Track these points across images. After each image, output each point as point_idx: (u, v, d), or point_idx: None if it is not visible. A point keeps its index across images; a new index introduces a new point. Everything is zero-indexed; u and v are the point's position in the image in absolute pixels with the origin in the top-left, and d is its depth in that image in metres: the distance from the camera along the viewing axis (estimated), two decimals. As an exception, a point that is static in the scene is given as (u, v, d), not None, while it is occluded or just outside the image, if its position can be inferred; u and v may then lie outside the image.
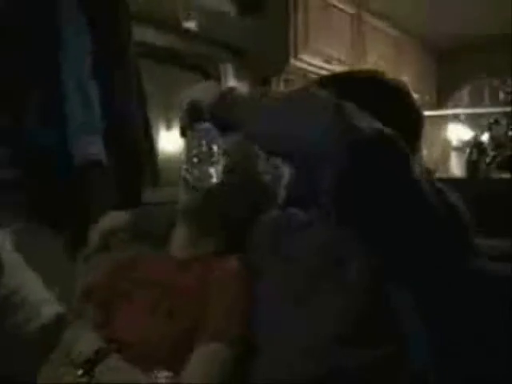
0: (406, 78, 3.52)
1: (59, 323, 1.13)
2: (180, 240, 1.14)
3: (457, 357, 0.87)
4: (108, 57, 1.95)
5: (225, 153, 1.09)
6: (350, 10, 3.35)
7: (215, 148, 0.98)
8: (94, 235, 1.32)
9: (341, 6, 3.25)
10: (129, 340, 1.00)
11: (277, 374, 0.86)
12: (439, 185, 0.84)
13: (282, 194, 1.17)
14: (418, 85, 3.87)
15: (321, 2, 3.07)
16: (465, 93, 4.34)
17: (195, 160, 0.96)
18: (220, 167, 1.05)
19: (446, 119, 4.43)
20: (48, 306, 1.22)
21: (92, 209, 1.77)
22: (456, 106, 4.38)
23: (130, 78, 2.02)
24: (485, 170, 2.32)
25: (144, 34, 2.34)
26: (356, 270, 0.86)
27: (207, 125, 0.96)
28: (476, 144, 2.45)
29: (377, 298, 0.83)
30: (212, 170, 0.94)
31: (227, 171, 1.08)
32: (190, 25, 2.56)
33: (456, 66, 4.14)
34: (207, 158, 0.95)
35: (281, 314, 0.91)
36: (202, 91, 0.95)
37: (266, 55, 2.88)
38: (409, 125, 0.96)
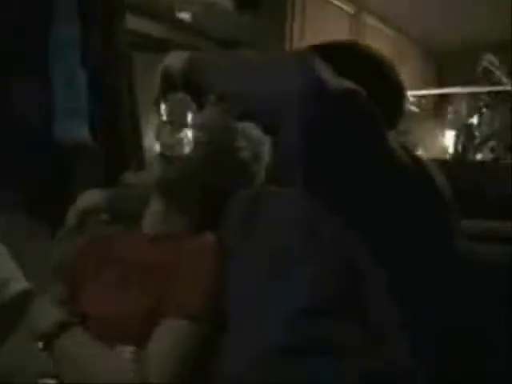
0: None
1: (26, 299, 1.10)
2: (152, 216, 1.11)
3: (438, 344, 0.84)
4: (99, 44, 1.93)
5: (201, 126, 1.07)
6: (349, 9, 3.34)
7: (189, 118, 0.96)
8: (70, 214, 1.30)
9: (339, 4, 3.23)
10: (95, 315, 0.98)
11: (248, 350, 0.83)
12: (422, 160, 0.81)
13: (261, 174, 1.14)
14: (416, 88, 3.85)
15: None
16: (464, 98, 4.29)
17: (168, 128, 0.95)
18: (193, 137, 1.03)
19: (443, 126, 4.39)
20: (16, 282, 1.19)
21: (77, 194, 1.75)
22: (456, 113, 4.34)
23: (120, 66, 2.00)
24: (472, 153, 2.28)
25: (139, 24, 2.33)
26: (331, 242, 0.82)
27: (181, 94, 0.95)
28: (465, 126, 2.42)
29: (351, 273, 0.79)
30: (185, 139, 0.92)
31: (202, 144, 1.06)
32: (185, 16, 2.55)
33: (455, 70, 4.10)
34: (180, 127, 0.93)
35: (254, 289, 0.88)
36: (174, 58, 0.94)
37: (261, 51, 2.85)
38: (389, 98, 0.93)
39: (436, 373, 0.81)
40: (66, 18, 1.86)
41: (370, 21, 3.60)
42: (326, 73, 0.72)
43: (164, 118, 0.95)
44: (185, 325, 0.90)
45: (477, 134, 2.23)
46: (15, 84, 1.75)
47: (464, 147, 2.30)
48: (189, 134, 0.98)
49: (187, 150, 0.92)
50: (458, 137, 2.26)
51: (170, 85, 0.94)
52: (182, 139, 0.92)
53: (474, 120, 2.26)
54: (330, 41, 1.06)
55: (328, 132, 0.69)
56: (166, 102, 0.95)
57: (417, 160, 0.78)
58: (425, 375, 0.79)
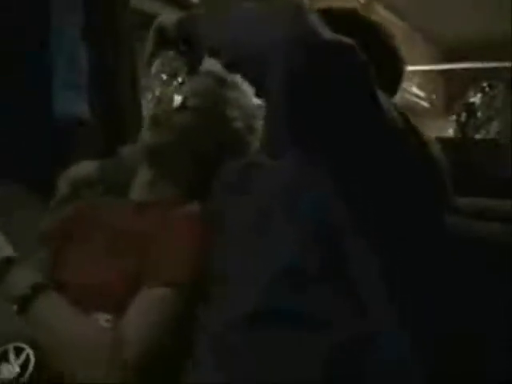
0: (413, 75, 3.46)
1: (7, 267, 1.07)
2: (140, 183, 1.08)
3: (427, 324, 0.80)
4: (101, 19, 1.90)
5: (193, 92, 1.04)
6: (362, -1, 3.30)
7: (180, 78, 0.93)
8: (62, 184, 1.28)
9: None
10: (76, 282, 0.95)
11: (230, 316, 0.80)
12: (417, 128, 0.77)
13: (255, 144, 1.10)
14: (425, 82, 3.81)
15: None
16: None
17: (157, 83, 0.92)
18: (184, 103, 1.00)
19: (446, 123, 4.32)
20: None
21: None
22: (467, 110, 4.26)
23: (123, 43, 1.97)
24: (472, 133, 2.22)
25: (143, 4, 2.30)
26: (316, 209, 0.78)
27: (172, 53, 0.92)
28: (466, 105, 2.36)
29: (336, 242, 0.76)
30: (174, 95, 0.89)
31: (194, 111, 1.03)
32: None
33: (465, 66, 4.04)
34: (170, 83, 0.90)
35: (238, 255, 0.85)
36: (167, 15, 0.91)
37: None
38: (387, 65, 0.89)
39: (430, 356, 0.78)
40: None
41: (383, 13, 3.56)
42: (321, 26, 0.68)
43: (156, 74, 0.92)
44: (165, 292, 0.86)
45: (479, 114, 2.18)
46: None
47: (463, 126, 2.24)
48: (178, 97, 0.94)
49: (175, 104, 0.89)
50: (458, 115, 2.21)
51: (163, 40, 0.91)
52: (170, 95, 0.89)
53: (477, 99, 2.20)
54: (329, 6, 1.02)
55: (316, 83, 0.65)
56: (157, 60, 0.92)
57: (412, 126, 0.74)
58: (418, 359, 0.75)
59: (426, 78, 3.77)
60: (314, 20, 0.68)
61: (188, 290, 0.87)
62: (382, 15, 3.54)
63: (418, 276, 0.76)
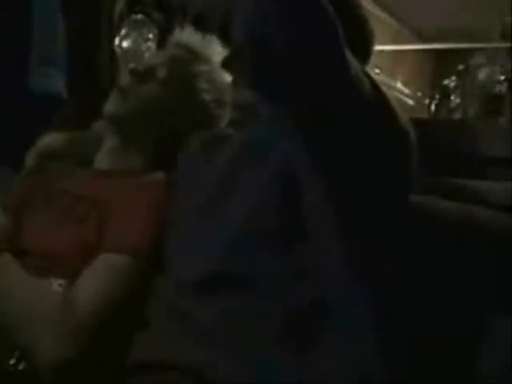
0: (401, 72, 3.45)
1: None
2: (105, 152, 1.06)
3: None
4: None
5: (162, 63, 1.03)
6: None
7: (149, 43, 0.91)
8: (29, 156, 1.26)
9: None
10: (33, 248, 0.94)
11: (181, 283, 0.79)
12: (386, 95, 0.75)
13: (225, 118, 1.08)
14: (413, 80, 3.80)
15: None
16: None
17: (128, 55, 0.89)
18: (153, 73, 0.99)
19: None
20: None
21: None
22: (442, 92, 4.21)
23: (103, 17, 1.94)
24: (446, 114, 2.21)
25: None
26: (273, 176, 0.77)
27: (141, 16, 0.90)
28: (441, 87, 2.35)
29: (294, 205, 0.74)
30: (145, 53, 0.87)
31: (161, 81, 1.02)
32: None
33: (452, 62, 4.03)
34: (141, 44, 0.88)
35: (190, 224, 0.84)
36: None
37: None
38: (357, 33, 0.87)
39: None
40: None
41: (374, 10, 3.54)
42: None
43: (124, 43, 0.90)
44: (120, 259, 0.85)
45: (452, 97, 2.17)
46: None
47: (437, 108, 2.24)
48: (148, 54, 0.92)
49: (145, 58, 0.87)
50: (431, 98, 2.20)
51: (136, 1, 0.88)
52: (142, 52, 0.87)
53: (452, 82, 2.19)
54: None
55: (283, 36, 0.62)
56: (126, 22, 0.90)
57: (378, 90, 0.72)
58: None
59: (411, 74, 3.77)
60: None
61: (144, 258, 0.86)
62: (373, 13, 3.52)
63: (377, 248, 0.75)
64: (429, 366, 0.81)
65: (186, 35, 1.08)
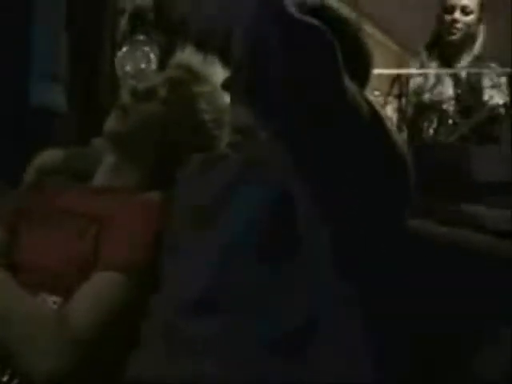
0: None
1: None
2: (103, 168, 1.07)
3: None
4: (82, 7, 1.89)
5: (163, 81, 1.04)
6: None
7: (151, 63, 0.91)
8: (28, 171, 1.26)
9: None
10: (28, 263, 0.95)
11: (178, 302, 0.79)
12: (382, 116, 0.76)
13: (223, 140, 1.09)
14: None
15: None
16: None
17: (129, 73, 0.90)
18: (154, 92, 1.00)
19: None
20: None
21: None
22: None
23: (106, 32, 1.95)
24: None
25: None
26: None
27: (143, 36, 0.90)
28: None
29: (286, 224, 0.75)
30: (146, 72, 0.87)
31: (162, 100, 1.04)
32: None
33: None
34: (138, 67, 0.88)
35: (189, 241, 0.84)
36: None
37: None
38: (355, 57, 0.88)
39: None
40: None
41: (375, 34, 3.58)
42: (293, 7, 0.67)
43: (125, 62, 0.90)
44: (113, 277, 0.85)
45: (450, 121, 2.19)
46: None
47: (436, 132, 2.25)
48: (146, 82, 0.93)
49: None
50: (430, 121, 2.21)
51: (138, 24, 0.89)
52: (144, 72, 0.87)
53: (450, 106, 2.22)
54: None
55: (281, 57, 0.63)
56: (127, 43, 0.90)
57: (377, 113, 0.73)
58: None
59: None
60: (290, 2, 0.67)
61: (139, 276, 0.86)
62: (374, 38, 3.56)
63: (372, 271, 0.75)
64: (429, 366, 0.81)
65: (187, 56, 1.09)
